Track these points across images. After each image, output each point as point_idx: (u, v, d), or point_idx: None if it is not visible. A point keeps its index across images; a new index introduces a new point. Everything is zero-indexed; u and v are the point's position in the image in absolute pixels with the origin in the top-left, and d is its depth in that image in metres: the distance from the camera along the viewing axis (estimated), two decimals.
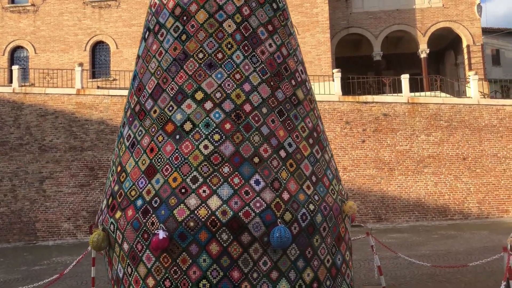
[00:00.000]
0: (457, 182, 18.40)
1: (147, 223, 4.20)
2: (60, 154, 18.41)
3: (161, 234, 4.05)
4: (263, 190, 4.19)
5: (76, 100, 18.87)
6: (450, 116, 18.80)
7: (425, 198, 18.30)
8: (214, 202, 4.12)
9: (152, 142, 4.45)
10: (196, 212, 4.09)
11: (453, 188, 18.36)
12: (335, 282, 4.54)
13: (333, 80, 19.84)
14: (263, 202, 4.14)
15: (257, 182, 4.21)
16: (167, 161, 4.33)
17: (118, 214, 4.43)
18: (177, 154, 4.31)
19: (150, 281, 4.22)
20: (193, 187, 4.19)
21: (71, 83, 19.74)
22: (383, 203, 18.21)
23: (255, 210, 4.10)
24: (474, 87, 19.35)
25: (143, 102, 4.65)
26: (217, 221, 4.05)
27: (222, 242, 4.06)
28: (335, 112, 18.70)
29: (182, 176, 4.24)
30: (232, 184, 4.17)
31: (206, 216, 4.07)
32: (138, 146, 4.54)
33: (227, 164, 4.23)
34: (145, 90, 4.69)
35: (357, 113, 18.90)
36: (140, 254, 4.25)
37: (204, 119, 4.34)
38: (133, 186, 4.42)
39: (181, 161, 4.28)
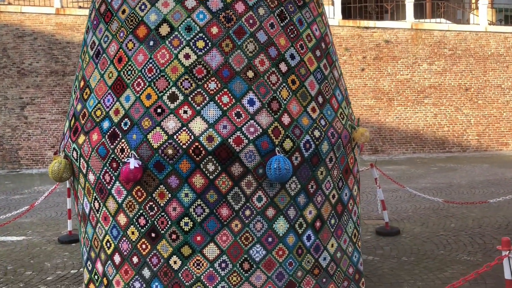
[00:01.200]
0: (458, 113, 17.74)
1: (115, 150, 3.42)
2: (41, 78, 17.32)
3: (133, 163, 3.28)
4: (259, 112, 3.38)
5: (56, 21, 17.46)
6: (455, 44, 17.75)
7: (423, 130, 17.71)
8: (197, 126, 3.32)
9: (121, 50, 3.56)
10: (175, 137, 3.30)
11: (453, 120, 17.73)
12: (340, 220, 3.88)
13: (332, 4, 18.46)
14: (258, 127, 3.36)
15: (251, 102, 3.39)
16: (139, 73, 3.47)
17: (81, 139, 3.63)
18: (151, 65, 3.45)
19: (122, 218, 3.52)
20: (172, 106, 3.37)
21: (49, 1, 18.21)
22: (380, 135, 17.61)
23: (249, 136, 3.32)
24: (483, 13, 18.12)
25: (109, 1, 3.70)
26: (201, 149, 3.27)
27: (208, 174, 3.31)
28: (334, 38, 17.52)
29: (158, 92, 3.41)
30: (220, 103, 3.36)
31: (188, 142, 3.29)
32: (104, 55, 3.65)
33: (213, 78, 3.39)
34: None
35: (358, 39, 17.77)
36: (109, 187, 3.51)
37: (185, 21, 3.43)
38: (99, 105, 3.59)
39: (156, 74, 3.43)
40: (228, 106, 3.36)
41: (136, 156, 3.34)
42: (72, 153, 3.71)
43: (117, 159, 3.42)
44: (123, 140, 3.41)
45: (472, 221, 7.06)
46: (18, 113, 17.35)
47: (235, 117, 3.34)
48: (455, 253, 5.57)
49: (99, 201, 3.61)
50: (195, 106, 3.35)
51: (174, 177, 3.34)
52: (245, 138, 3.32)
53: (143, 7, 3.53)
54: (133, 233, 3.49)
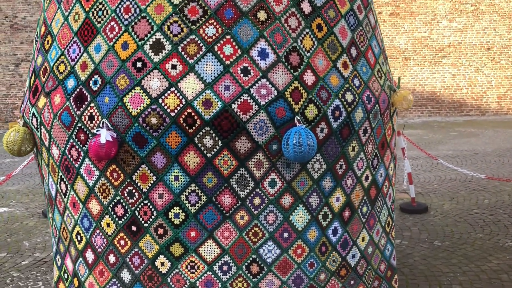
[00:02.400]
0: (478, 74, 16.65)
1: (82, 117, 2.58)
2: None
3: (104, 135, 2.45)
4: (273, 67, 2.51)
5: None
6: None
7: (440, 92, 16.69)
8: (190, 86, 2.46)
9: None
10: (160, 100, 2.45)
11: (473, 81, 16.67)
12: (373, 208, 3.07)
13: None
14: (272, 88, 2.49)
15: (262, 54, 2.51)
16: (113, 14, 2.58)
17: (41, 102, 2.79)
18: (128, 3, 2.55)
19: (94, 206, 2.72)
20: (156, 59, 2.49)
21: None
22: None
23: (259, 100, 2.47)
24: None
25: None
26: (195, 117, 2.43)
27: (205, 151, 2.48)
28: None
29: (137, 40, 2.53)
30: (221, 55, 2.48)
31: (178, 108, 2.44)
32: None
33: (212, 21, 2.50)
34: None
35: None
36: (77, 165, 2.70)
37: None
38: (62, 57, 2.72)
39: (135, 15, 2.53)
40: (231, 60, 2.48)
41: (109, 125, 2.50)
42: (32, 119, 2.87)
43: (85, 129, 2.59)
44: (92, 104, 2.56)
45: (509, 196, 6.25)
46: (13, 70, 16.45)
47: (241, 75, 2.47)
48: (496, 237, 4.78)
49: (66, 183, 2.80)
50: (187, 59, 2.48)
51: (160, 155, 2.51)
52: (254, 103, 2.46)
53: None
54: (108, 225, 2.70)
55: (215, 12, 2.49)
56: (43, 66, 2.83)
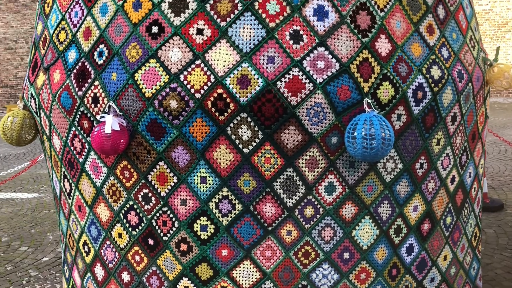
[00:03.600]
0: None
1: (85, 99, 2.00)
2: None
3: (110, 124, 1.86)
4: (335, 30, 1.83)
5: None
6: None
7: None
8: (221, 56, 1.82)
9: None
10: (182, 77, 1.83)
11: None
12: (459, 218, 2.36)
13: None
14: (333, 59, 1.82)
15: (320, 12, 1.84)
16: None
17: (40, 79, 2.23)
18: None
19: (103, 211, 2.16)
20: (176, 21, 1.87)
21: None
22: None
23: (315, 75, 1.80)
24: None
25: None
26: (228, 99, 1.80)
27: (241, 145, 1.85)
28: None
29: None
30: (263, 14, 1.82)
31: (205, 87, 1.81)
32: None
33: None
34: None
35: None
36: (81, 159, 2.14)
37: None
38: (63, 23, 2.15)
39: None
40: (277, 21, 1.82)
41: (117, 110, 1.91)
42: (31, 101, 2.33)
43: (88, 115, 2.01)
44: (96, 83, 1.97)
45: None
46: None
47: (290, 41, 1.81)
48: None
49: (70, 181, 2.25)
50: (218, 20, 1.84)
51: (182, 149, 1.90)
52: (308, 80, 1.80)
53: None
54: (120, 235, 2.14)
55: None
56: (43, 35, 2.27)
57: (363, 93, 1.84)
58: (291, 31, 1.82)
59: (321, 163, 1.90)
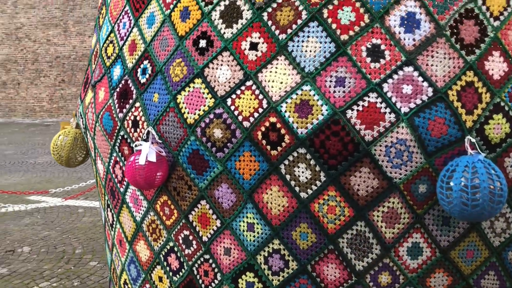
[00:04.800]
0: None
1: (125, 122, 1.75)
2: None
3: (145, 154, 1.58)
4: (428, 44, 1.38)
5: None
6: None
7: None
8: (277, 77, 1.46)
9: None
10: (229, 101, 1.50)
11: None
12: None
13: None
14: (424, 82, 1.37)
15: (409, 21, 1.40)
16: None
17: (88, 97, 2.04)
18: None
19: (142, 250, 1.88)
20: (228, 33, 1.54)
21: None
22: None
23: (398, 103, 1.37)
24: None
25: None
26: (283, 130, 1.42)
27: (298, 188, 1.46)
28: None
29: (202, 4, 1.60)
30: (333, 24, 1.43)
31: (256, 114, 1.46)
32: None
33: None
34: None
35: None
36: (122, 189, 1.89)
37: None
38: (111, 35, 1.93)
39: None
40: (351, 32, 1.42)
41: (157, 137, 1.63)
42: (79, 120, 2.15)
43: (128, 140, 1.75)
44: (137, 104, 1.71)
45: None
46: None
47: (367, 59, 1.40)
48: None
49: (112, 211, 2.01)
50: (276, 32, 1.48)
51: (227, 188, 1.56)
52: (389, 108, 1.37)
53: None
54: (161, 279, 1.85)
55: None
56: (95, 49, 2.08)
57: (464, 128, 1.36)
58: (369, 46, 1.40)
59: (404, 218, 1.44)
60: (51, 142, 2.25)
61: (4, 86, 18.02)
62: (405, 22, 1.40)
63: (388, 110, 1.37)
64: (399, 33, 1.40)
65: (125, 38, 1.82)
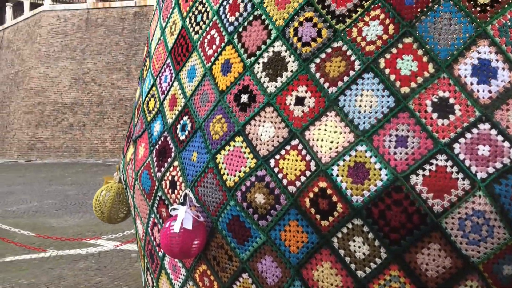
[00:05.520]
0: None
1: (163, 182, 1.62)
2: None
3: (181, 219, 1.43)
4: (509, 96, 1.16)
5: None
6: None
7: None
8: (327, 135, 1.28)
9: None
10: (273, 162, 1.33)
11: None
12: None
13: None
14: (504, 143, 1.14)
15: (484, 70, 1.19)
16: (214, 16, 1.59)
17: (130, 152, 1.95)
18: None
19: None
20: (271, 87, 1.40)
21: None
22: None
23: (474, 168, 1.14)
24: None
25: None
26: (335, 198, 1.23)
27: (354, 265, 1.25)
28: None
29: (245, 56, 1.48)
30: (391, 75, 1.24)
31: (303, 177, 1.28)
32: None
33: (371, 10, 1.29)
34: None
35: None
36: (160, 253, 1.75)
37: None
38: (153, 89, 1.84)
39: (245, 15, 1.50)
40: (413, 84, 1.22)
41: (194, 200, 1.48)
42: (122, 175, 2.06)
43: (166, 202, 1.62)
44: (175, 163, 1.58)
45: None
46: None
47: (434, 115, 1.19)
48: None
49: (152, 275, 1.87)
50: (325, 85, 1.31)
51: (271, 260, 1.37)
52: (462, 174, 1.14)
53: None
54: None
55: None
56: (138, 102, 2.00)
57: None
58: (435, 100, 1.20)
59: None
60: (94, 197, 2.17)
61: (71, 128, 19.00)
62: (478, 71, 1.19)
63: (461, 175, 1.14)
64: (471, 84, 1.19)
65: (166, 92, 1.73)
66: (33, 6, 21.53)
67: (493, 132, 1.16)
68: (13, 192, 10.90)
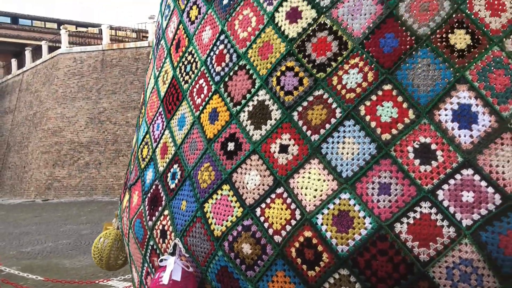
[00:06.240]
0: None
1: (154, 231, 1.62)
2: None
3: (169, 271, 1.42)
4: (490, 141, 1.15)
5: None
6: None
7: None
8: (311, 183, 1.27)
9: (181, 25, 1.78)
10: (258, 211, 1.33)
11: None
12: None
13: None
14: (488, 188, 1.12)
15: (464, 116, 1.18)
16: (202, 67, 1.62)
17: (125, 199, 1.96)
18: (222, 47, 1.56)
19: None
20: (256, 135, 1.41)
21: None
22: None
23: (458, 215, 1.12)
24: None
25: None
26: (320, 247, 1.21)
27: None
28: None
29: (231, 105, 1.49)
30: (372, 122, 1.24)
31: (288, 226, 1.27)
32: (162, 42, 1.93)
33: (356, 57, 1.30)
34: None
35: None
36: None
37: None
38: (147, 136, 1.87)
39: (231, 65, 1.52)
40: (393, 131, 1.22)
41: (183, 250, 1.47)
42: (117, 222, 2.07)
43: (157, 251, 1.62)
44: (166, 212, 1.58)
45: None
46: None
47: (415, 161, 1.18)
48: None
49: None
50: (308, 133, 1.32)
51: None
52: (447, 221, 1.12)
53: None
54: None
55: (361, 44, 1.30)
56: (134, 149, 2.03)
57: None
58: (417, 146, 1.19)
59: None
60: (93, 244, 2.18)
61: (87, 166, 19.23)
62: (459, 116, 1.18)
63: (445, 223, 1.12)
64: (453, 129, 1.18)
65: (158, 140, 1.75)
66: (51, 49, 22.24)
67: (477, 177, 1.14)
68: (28, 233, 10.98)
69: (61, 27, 22.99)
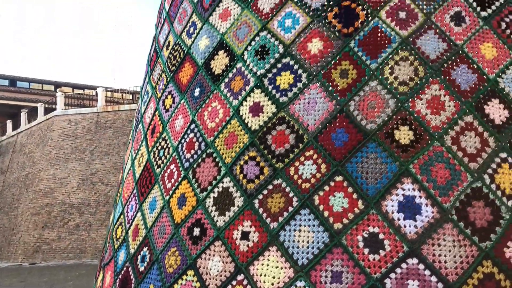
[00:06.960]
0: None
1: None
2: None
3: None
4: (433, 231, 1.24)
5: None
6: None
7: None
8: (269, 270, 1.34)
9: (156, 112, 1.91)
10: None
11: None
12: None
13: None
14: (431, 277, 1.19)
15: (410, 203, 1.27)
16: (174, 152, 1.73)
17: (100, 277, 1.99)
18: (192, 136, 1.68)
19: None
20: (220, 221, 1.48)
21: None
22: None
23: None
24: None
25: (157, 34, 2.16)
26: None
27: None
28: None
29: (198, 191, 1.58)
30: (325, 211, 1.33)
31: None
32: (140, 126, 2.05)
33: (310, 149, 1.42)
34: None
35: None
36: None
37: (256, 39, 1.62)
38: (121, 217, 1.94)
39: (199, 153, 1.63)
40: (345, 220, 1.31)
41: None
42: None
43: None
44: None
45: None
46: None
47: (365, 249, 1.26)
48: None
49: None
50: (268, 220, 1.40)
51: None
52: None
53: (191, 29, 1.85)
54: None
55: (315, 137, 1.41)
56: (110, 228, 2.09)
57: None
58: (366, 235, 1.27)
59: None
60: None
61: (77, 228, 18.97)
62: (404, 207, 1.27)
63: None
64: (398, 219, 1.26)
65: (131, 221, 1.82)
66: (47, 111, 22.60)
67: (421, 266, 1.21)
68: None
69: (57, 90, 23.51)
